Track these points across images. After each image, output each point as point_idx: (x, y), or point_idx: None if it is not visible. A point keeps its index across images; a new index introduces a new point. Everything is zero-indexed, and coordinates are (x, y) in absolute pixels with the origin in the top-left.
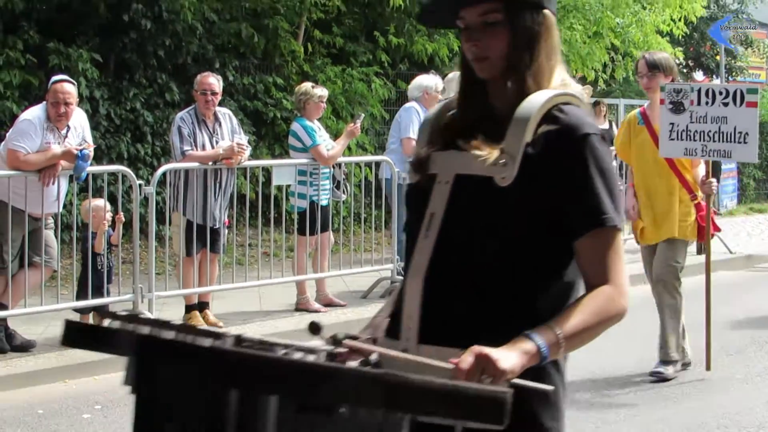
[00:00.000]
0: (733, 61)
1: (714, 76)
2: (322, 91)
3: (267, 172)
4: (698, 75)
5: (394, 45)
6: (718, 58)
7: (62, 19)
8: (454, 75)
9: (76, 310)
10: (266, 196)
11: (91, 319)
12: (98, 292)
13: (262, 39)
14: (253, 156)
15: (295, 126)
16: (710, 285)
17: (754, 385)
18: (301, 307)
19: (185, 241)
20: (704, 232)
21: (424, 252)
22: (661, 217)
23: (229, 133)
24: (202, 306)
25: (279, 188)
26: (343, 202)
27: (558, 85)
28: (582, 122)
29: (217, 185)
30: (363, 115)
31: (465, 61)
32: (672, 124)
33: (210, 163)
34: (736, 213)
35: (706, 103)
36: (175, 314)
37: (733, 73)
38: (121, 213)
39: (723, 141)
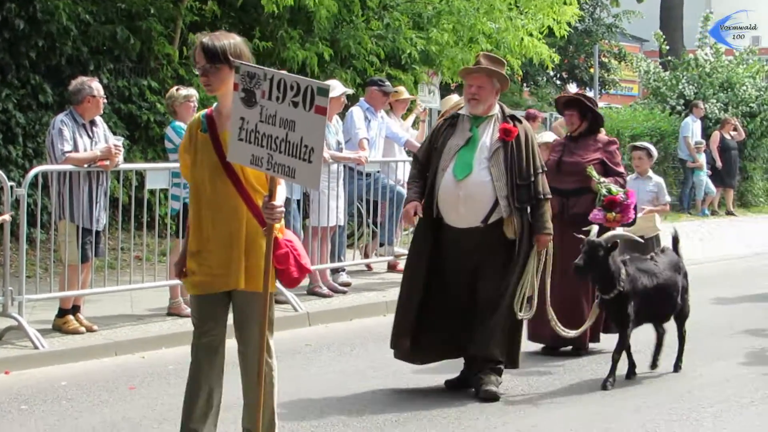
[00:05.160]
0: (606, 74)
1: (587, 89)
2: (187, 91)
3: (141, 176)
4: (572, 87)
5: (263, 49)
6: (591, 70)
7: None
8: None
9: None
10: (139, 200)
11: None
12: None
13: (137, 42)
14: (127, 159)
15: (168, 130)
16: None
17: None
18: (173, 311)
19: (79, 247)
20: (288, 276)
21: None
22: (221, 260)
23: (104, 137)
24: (74, 309)
25: (152, 192)
26: None
27: None
28: None
29: (99, 187)
30: None
31: None
32: (242, 119)
33: (85, 165)
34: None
35: (277, 98)
36: (45, 317)
37: (606, 86)
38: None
39: (289, 154)
